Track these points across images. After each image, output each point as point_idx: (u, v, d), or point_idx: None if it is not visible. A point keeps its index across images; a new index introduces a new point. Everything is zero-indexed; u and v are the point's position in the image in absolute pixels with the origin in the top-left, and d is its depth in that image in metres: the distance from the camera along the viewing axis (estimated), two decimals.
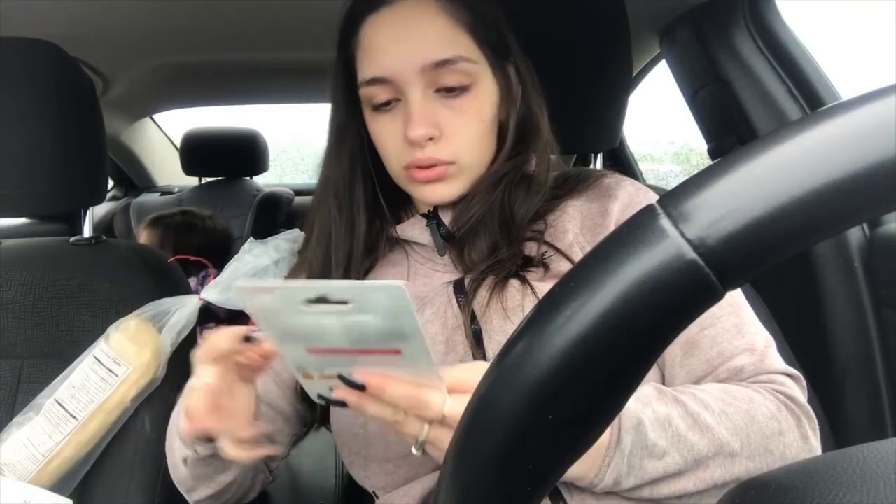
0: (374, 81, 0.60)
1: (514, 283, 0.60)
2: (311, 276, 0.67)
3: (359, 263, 0.66)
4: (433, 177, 0.61)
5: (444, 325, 0.61)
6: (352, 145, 0.67)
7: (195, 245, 1.73)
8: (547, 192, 0.66)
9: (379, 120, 0.63)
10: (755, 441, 0.50)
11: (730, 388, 0.54)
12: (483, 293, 0.60)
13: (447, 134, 0.60)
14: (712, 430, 0.49)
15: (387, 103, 0.61)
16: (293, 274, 0.71)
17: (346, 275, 0.65)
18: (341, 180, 0.67)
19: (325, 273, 0.66)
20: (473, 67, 0.60)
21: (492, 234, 0.63)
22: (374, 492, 0.64)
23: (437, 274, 0.66)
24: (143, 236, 1.84)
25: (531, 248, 0.63)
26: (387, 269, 0.68)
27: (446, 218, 0.66)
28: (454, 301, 0.62)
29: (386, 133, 0.63)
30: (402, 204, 0.70)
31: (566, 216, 0.65)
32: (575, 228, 0.64)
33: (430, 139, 0.60)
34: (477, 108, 0.61)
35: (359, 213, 0.67)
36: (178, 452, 0.59)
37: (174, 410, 0.63)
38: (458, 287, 0.63)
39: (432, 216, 0.66)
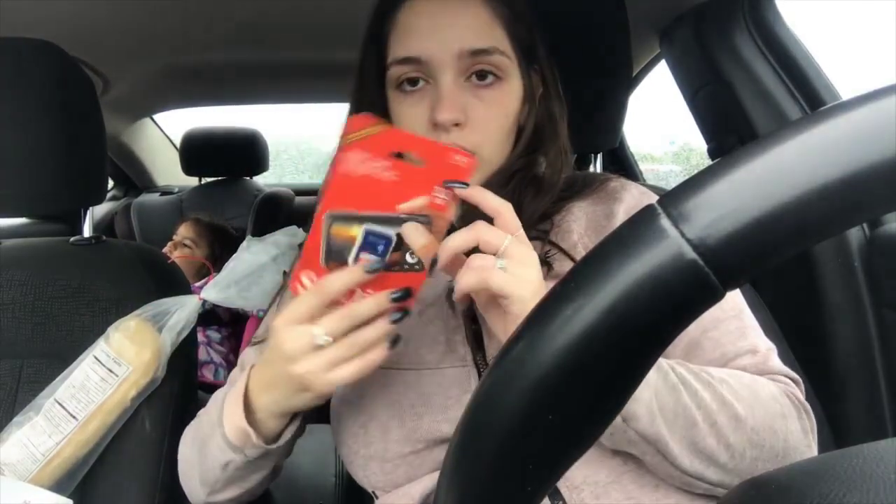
0: (407, 61, 0.60)
1: None
2: None
3: None
4: None
5: (445, 326, 0.61)
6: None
7: (225, 250, 1.81)
8: (556, 194, 0.66)
9: (404, 102, 0.62)
10: (759, 414, 0.50)
11: (733, 370, 0.55)
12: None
13: (473, 122, 0.60)
14: (714, 387, 0.50)
15: (414, 82, 0.61)
16: (281, 293, 0.71)
17: None
18: None
19: None
20: (507, 62, 0.60)
21: None
22: (373, 491, 0.64)
23: (440, 274, 0.66)
24: (183, 228, 1.95)
25: (535, 248, 0.63)
26: None
27: None
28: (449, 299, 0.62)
29: (410, 115, 0.61)
30: None
31: (571, 217, 0.65)
32: (580, 229, 0.64)
33: (456, 125, 0.59)
34: (504, 102, 0.61)
35: None
36: (217, 457, 0.58)
37: (205, 417, 0.62)
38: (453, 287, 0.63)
39: None
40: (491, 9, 0.60)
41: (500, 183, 0.63)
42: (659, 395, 0.48)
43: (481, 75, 0.60)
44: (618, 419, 0.47)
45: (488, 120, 0.61)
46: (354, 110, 0.67)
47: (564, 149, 0.67)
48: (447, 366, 0.60)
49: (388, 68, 0.61)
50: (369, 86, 0.65)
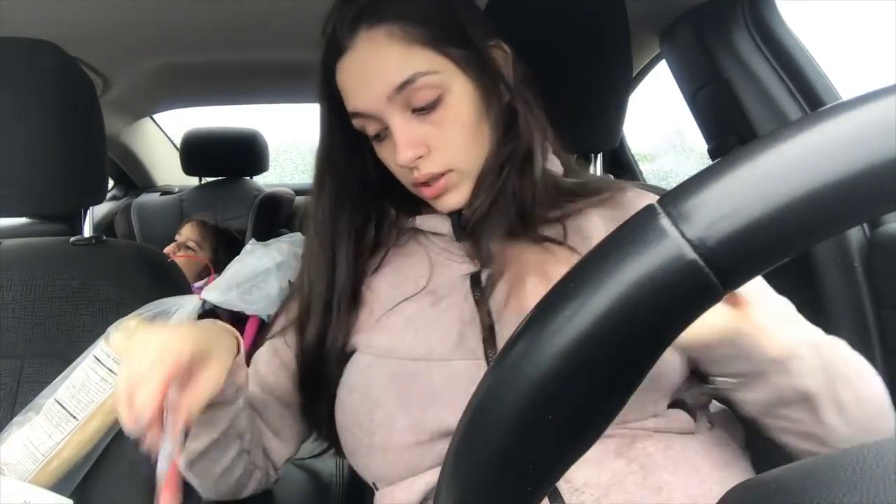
0: (356, 115, 0.64)
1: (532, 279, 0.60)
2: (301, 304, 0.69)
3: (345, 292, 0.67)
4: (439, 189, 0.64)
5: (459, 318, 0.62)
6: (333, 179, 0.69)
7: (228, 253, 1.81)
8: (551, 180, 0.67)
9: (380, 148, 0.66)
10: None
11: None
12: (502, 287, 0.61)
13: (434, 148, 0.62)
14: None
15: (378, 135, 0.65)
16: (287, 303, 0.73)
17: (328, 307, 0.67)
18: (321, 217, 0.69)
19: (311, 302, 0.68)
20: (437, 78, 0.61)
21: (508, 222, 0.64)
22: (373, 483, 0.64)
23: (455, 264, 0.67)
24: (187, 229, 1.94)
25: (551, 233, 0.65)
26: (403, 259, 0.70)
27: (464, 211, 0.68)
28: (471, 295, 0.63)
29: (387, 160, 0.66)
30: (417, 209, 0.72)
31: (591, 224, 0.65)
32: (600, 235, 0.64)
33: (420, 157, 0.62)
34: (454, 116, 0.62)
35: (340, 248, 0.68)
36: None
37: None
38: (476, 281, 0.64)
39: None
40: (402, 39, 0.60)
41: (494, 174, 0.65)
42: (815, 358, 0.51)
43: (420, 107, 0.61)
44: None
45: (447, 139, 0.62)
46: (325, 153, 0.69)
47: (542, 122, 0.67)
48: (458, 358, 0.60)
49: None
50: (337, 131, 0.68)
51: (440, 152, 0.62)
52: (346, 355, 0.66)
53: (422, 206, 0.72)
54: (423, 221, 0.68)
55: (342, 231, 0.68)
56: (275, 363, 0.70)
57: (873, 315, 0.92)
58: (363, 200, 0.70)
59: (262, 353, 0.72)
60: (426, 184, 0.63)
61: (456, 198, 0.65)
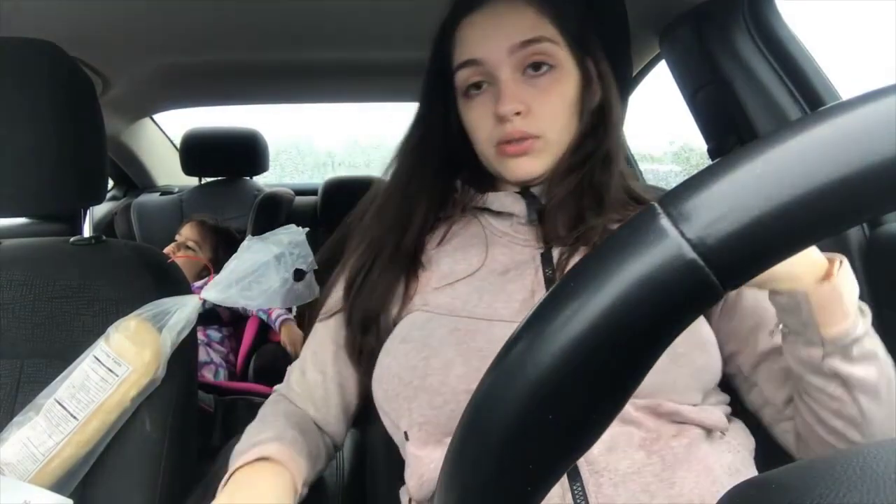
0: (468, 63, 0.67)
1: None
2: (365, 260, 0.72)
3: (408, 252, 0.71)
4: (523, 149, 0.66)
5: (525, 288, 0.64)
6: (424, 134, 0.74)
7: (228, 253, 1.82)
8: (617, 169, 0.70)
9: (471, 104, 0.69)
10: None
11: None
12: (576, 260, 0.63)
13: (533, 110, 0.66)
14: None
15: (478, 86, 0.68)
16: (334, 281, 0.75)
17: (393, 265, 0.70)
18: (404, 167, 0.74)
19: (377, 258, 0.71)
20: (555, 49, 0.66)
21: (583, 210, 0.67)
22: (406, 433, 0.63)
23: (518, 247, 0.69)
24: (187, 229, 1.95)
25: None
26: (464, 240, 0.71)
27: (536, 193, 0.71)
28: (541, 271, 0.65)
29: (478, 115, 0.69)
30: (487, 188, 0.74)
31: None
32: None
33: (518, 114, 0.65)
34: (560, 89, 0.67)
35: (420, 203, 0.72)
36: None
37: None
38: (547, 259, 0.66)
39: (524, 191, 0.71)
40: (537, 8, 0.66)
41: (577, 164, 0.68)
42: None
43: (535, 66, 0.66)
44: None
45: (547, 105, 0.66)
46: (424, 112, 0.75)
47: (622, 138, 0.72)
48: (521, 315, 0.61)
49: (455, 75, 0.69)
50: (436, 92, 0.73)
51: (537, 116, 0.66)
52: (398, 318, 0.68)
53: (489, 187, 0.74)
54: (494, 199, 0.71)
55: (424, 187, 0.72)
56: (331, 349, 0.73)
57: (873, 315, 0.92)
58: (441, 162, 0.74)
59: (320, 337, 0.74)
60: (512, 142, 0.66)
61: (533, 165, 0.67)
